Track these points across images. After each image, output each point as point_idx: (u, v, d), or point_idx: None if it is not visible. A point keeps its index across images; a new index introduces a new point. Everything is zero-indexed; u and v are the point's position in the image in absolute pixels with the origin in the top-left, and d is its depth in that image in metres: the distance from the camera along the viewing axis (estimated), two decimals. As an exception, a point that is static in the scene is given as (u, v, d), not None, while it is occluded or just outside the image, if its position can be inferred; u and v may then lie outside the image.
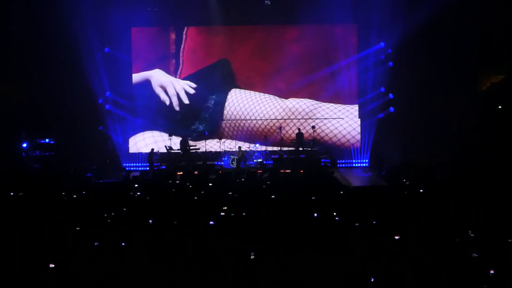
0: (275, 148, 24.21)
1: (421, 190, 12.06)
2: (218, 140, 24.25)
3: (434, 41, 22.10)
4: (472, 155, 19.50)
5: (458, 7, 20.92)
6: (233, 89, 25.84)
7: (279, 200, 10.84)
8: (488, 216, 8.47)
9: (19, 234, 7.87)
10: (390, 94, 24.04)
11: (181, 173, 19.84)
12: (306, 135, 23.74)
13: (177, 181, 16.41)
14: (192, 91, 25.72)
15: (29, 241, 7.41)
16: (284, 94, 25.50)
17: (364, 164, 24.20)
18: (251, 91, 25.79)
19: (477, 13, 20.53)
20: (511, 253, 6.54)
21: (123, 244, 7.25)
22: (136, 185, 14.21)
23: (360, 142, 24.66)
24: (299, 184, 14.50)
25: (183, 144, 22.96)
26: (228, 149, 23.66)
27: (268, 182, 14.97)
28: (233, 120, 25.60)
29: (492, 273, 5.88)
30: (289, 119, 25.27)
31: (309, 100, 25.32)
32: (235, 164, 22.15)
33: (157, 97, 25.67)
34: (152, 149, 23.02)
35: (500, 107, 21.00)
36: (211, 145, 24.61)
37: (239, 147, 23.09)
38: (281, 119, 25.28)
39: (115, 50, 24.78)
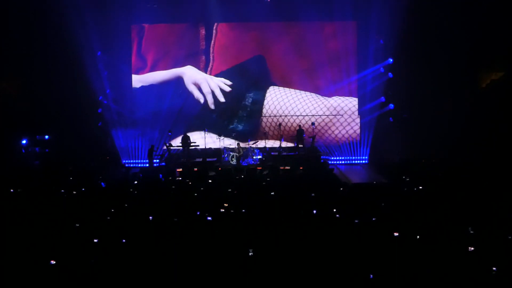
0: (275, 145, 24.09)
1: (421, 187, 12.08)
2: (217, 136, 23.86)
3: (434, 39, 22.06)
4: (472, 152, 19.51)
5: (457, 4, 20.91)
6: (271, 87, 25.18)
7: (279, 196, 10.85)
8: (487, 213, 8.49)
9: (19, 230, 7.87)
10: (382, 97, 24.06)
11: (181, 169, 19.83)
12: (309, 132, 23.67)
13: (177, 178, 16.42)
14: (228, 89, 25.09)
15: (29, 238, 7.40)
16: (324, 92, 24.94)
17: (363, 161, 24.21)
18: (290, 89, 25.13)
19: (476, 9, 20.49)
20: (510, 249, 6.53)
21: (123, 240, 7.25)
22: (136, 182, 14.22)
23: (360, 139, 24.65)
24: (298, 181, 14.51)
25: (184, 140, 22.79)
26: (228, 146, 23.38)
27: (268, 179, 14.98)
28: (273, 116, 24.91)
29: (494, 270, 5.88)
30: (337, 115, 24.77)
31: (355, 98, 24.87)
32: (234, 161, 22.07)
33: (184, 95, 25.03)
34: (152, 146, 22.87)
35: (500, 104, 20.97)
36: (211, 141, 24.36)
37: (238, 144, 22.97)
38: (328, 115, 24.75)
39: (114, 49, 24.60)
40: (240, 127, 24.97)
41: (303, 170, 19.07)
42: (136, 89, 25.06)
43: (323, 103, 24.86)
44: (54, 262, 6.35)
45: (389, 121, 23.69)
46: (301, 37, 24.66)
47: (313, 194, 10.85)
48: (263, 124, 24.97)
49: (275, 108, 24.99)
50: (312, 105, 24.91)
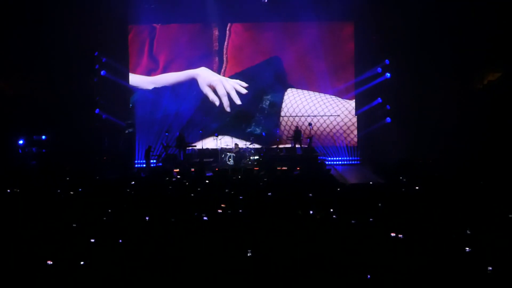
0: (273, 146, 24.02)
1: (417, 187, 12.08)
2: (214, 137, 23.72)
3: (431, 40, 22.07)
4: (469, 152, 19.53)
5: (454, 5, 20.92)
6: (290, 89, 24.87)
7: (276, 197, 10.83)
8: (484, 213, 8.48)
9: (16, 230, 7.85)
10: (379, 98, 24.05)
11: (178, 170, 19.80)
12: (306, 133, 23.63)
13: (174, 178, 16.39)
14: (244, 91, 24.71)
15: (26, 238, 7.38)
16: (343, 94, 24.81)
17: (360, 162, 24.21)
18: (309, 91, 24.82)
19: (473, 10, 20.51)
20: (508, 249, 6.52)
21: (120, 241, 7.23)
22: (133, 182, 14.19)
23: (357, 139, 24.63)
24: (295, 181, 14.50)
25: (180, 140, 22.69)
26: (225, 147, 23.27)
27: (265, 179, 14.97)
28: (291, 116, 24.71)
29: (490, 270, 5.87)
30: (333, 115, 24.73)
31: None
32: (232, 161, 22.04)
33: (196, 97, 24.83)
34: (150, 146, 22.81)
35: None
36: (207, 141, 24.28)
37: (236, 144, 22.90)
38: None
39: (111, 49, 24.48)
40: (258, 130, 24.62)
41: (300, 170, 19.06)
42: (148, 90, 24.82)
43: (344, 105, 24.78)
44: (51, 263, 6.32)
45: (385, 122, 23.70)
46: (318, 38, 24.30)
47: (310, 195, 10.82)
48: (282, 128, 24.75)
49: (293, 111, 24.74)
50: (333, 108, 24.74)
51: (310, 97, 24.76)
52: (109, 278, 6.06)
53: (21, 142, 22.37)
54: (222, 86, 24.76)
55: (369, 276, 5.81)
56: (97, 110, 24.04)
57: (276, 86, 24.78)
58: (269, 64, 24.76)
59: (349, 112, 24.71)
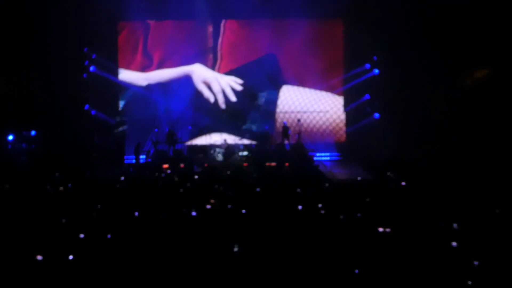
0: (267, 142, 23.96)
1: (404, 183, 12.13)
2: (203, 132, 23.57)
3: (418, 36, 22.10)
4: (455, 149, 19.62)
5: (441, 3, 20.99)
6: (285, 86, 24.60)
7: (265, 192, 10.85)
8: (471, 208, 8.53)
9: (6, 226, 7.83)
10: (367, 95, 24.10)
11: (167, 166, 19.76)
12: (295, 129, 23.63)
13: (163, 174, 16.38)
14: (239, 88, 24.35)
15: (16, 233, 7.37)
16: (336, 90, 24.63)
17: (348, 158, 24.21)
18: (305, 88, 24.59)
19: (461, 8, 20.57)
20: (492, 244, 6.56)
21: (108, 236, 7.23)
22: (122, 178, 14.18)
23: (345, 135, 24.68)
24: (284, 177, 14.54)
25: (169, 136, 22.62)
26: (214, 143, 23.18)
27: (254, 175, 14.99)
28: (287, 112, 24.37)
29: (476, 264, 5.91)
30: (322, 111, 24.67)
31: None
32: (221, 157, 21.99)
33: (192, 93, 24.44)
34: (139, 142, 22.71)
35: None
36: (198, 138, 24.14)
37: (225, 140, 22.84)
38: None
39: (100, 45, 24.33)
40: (254, 127, 24.40)
41: (288, 166, 19.10)
42: (141, 87, 24.63)
43: (340, 102, 24.72)
44: (41, 258, 6.31)
45: (374, 118, 23.76)
46: (311, 35, 23.91)
47: (298, 190, 10.84)
48: (277, 125, 24.48)
49: (289, 107, 24.56)
50: (329, 104, 24.71)
51: (306, 94, 24.61)
52: (98, 273, 6.07)
53: (10, 138, 22.25)
54: (217, 83, 24.49)
55: (357, 271, 5.84)
56: (86, 106, 23.93)
57: (271, 83, 24.53)
58: (263, 61, 24.50)
59: (338, 109, 24.71)
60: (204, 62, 24.62)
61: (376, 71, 23.78)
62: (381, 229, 7.14)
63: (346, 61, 24.50)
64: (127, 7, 23.10)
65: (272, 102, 24.55)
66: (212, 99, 24.42)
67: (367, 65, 24.03)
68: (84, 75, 23.95)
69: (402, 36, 22.38)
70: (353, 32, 23.99)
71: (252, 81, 24.31)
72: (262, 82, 24.33)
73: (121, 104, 24.76)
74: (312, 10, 23.01)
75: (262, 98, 24.51)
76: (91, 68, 23.96)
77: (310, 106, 24.55)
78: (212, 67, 24.61)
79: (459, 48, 20.95)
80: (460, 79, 22.16)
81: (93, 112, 23.94)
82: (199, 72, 24.52)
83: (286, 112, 24.50)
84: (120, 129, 24.61)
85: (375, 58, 23.73)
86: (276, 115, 24.64)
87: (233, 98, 24.35)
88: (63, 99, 22.71)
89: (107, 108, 24.37)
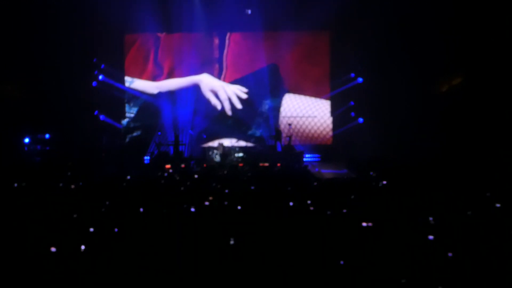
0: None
1: (385, 182, 12.15)
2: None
3: (398, 47, 22.17)
4: (431, 150, 19.70)
5: (417, 12, 21.11)
6: (287, 94, 24.85)
7: (259, 190, 10.86)
8: (446, 204, 8.56)
9: (23, 221, 7.83)
10: (351, 102, 24.19)
11: (169, 166, 19.76)
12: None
13: (166, 174, 16.38)
14: (244, 96, 24.56)
15: (32, 227, 7.38)
16: (328, 97, 24.87)
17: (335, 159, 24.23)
18: (306, 96, 24.82)
19: (436, 16, 20.68)
20: (468, 237, 6.59)
21: (116, 230, 7.23)
22: (129, 177, 14.16)
23: (332, 138, 24.78)
24: (276, 176, 14.54)
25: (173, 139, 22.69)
26: (211, 145, 23.26)
27: (249, 174, 15.00)
28: (286, 117, 24.68)
29: (450, 256, 5.94)
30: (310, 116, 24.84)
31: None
32: (218, 158, 22.01)
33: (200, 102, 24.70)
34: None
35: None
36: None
37: (220, 143, 22.84)
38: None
39: (109, 57, 24.41)
40: (257, 133, 24.60)
41: (280, 166, 19.12)
42: (152, 95, 24.79)
43: (327, 107, 25.00)
44: (55, 249, 6.32)
45: (358, 122, 23.86)
46: (312, 45, 24.62)
47: (289, 188, 10.85)
48: (282, 129, 24.53)
49: (291, 114, 24.75)
50: (317, 110, 24.91)
51: (307, 101, 24.86)
52: (106, 264, 6.07)
53: (26, 140, 22.25)
54: (224, 91, 24.64)
55: (342, 262, 5.85)
56: (95, 112, 24.00)
57: (274, 91, 24.72)
58: (266, 71, 24.69)
59: (325, 113, 24.79)
60: (211, 72, 24.80)
61: (360, 79, 23.89)
62: (364, 224, 7.15)
63: (332, 70, 24.59)
64: (135, 20, 23.24)
65: (275, 109, 24.70)
66: (219, 107, 24.56)
67: (352, 74, 24.15)
68: (94, 83, 24.01)
69: (383, 47, 22.48)
70: (339, 43, 24.11)
71: (256, 89, 24.52)
72: (265, 90, 24.51)
73: (134, 110, 24.80)
74: (302, 23, 23.24)
75: (266, 105, 24.55)
76: (100, 77, 24.01)
77: (305, 112, 24.75)
78: (218, 77, 24.75)
79: (436, 58, 21.05)
80: (436, 86, 22.28)
81: (101, 117, 23.97)
82: (207, 81, 24.66)
83: (288, 117, 24.58)
84: (135, 134, 24.65)
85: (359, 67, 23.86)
86: (280, 121, 24.82)
87: (238, 105, 24.44)
88: (75, 105, 22.90)
89: (114, 113, 24.45)
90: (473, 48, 20.09)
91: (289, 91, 24.88)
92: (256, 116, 24.71)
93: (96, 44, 23.81)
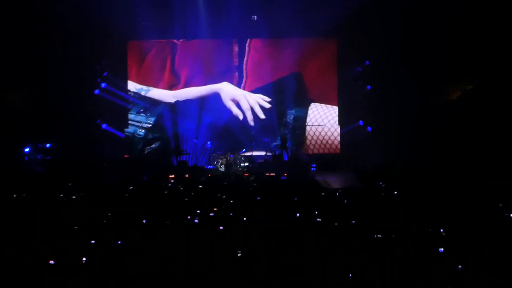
0: (261, 153, 23.83)
1: (395, 192, 12.09)
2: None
3: (408, 55, 22.16)
4: (441, 159, 19.66)
5: (429, 23, 21.09)
6: (313, 103, 24.46)
7: (265, 201, 10.82)
8: (457, 216, 8.51)
9: (22, 232, 7.82)
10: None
11: (173, 176, 19.74)
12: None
13: (169, 184, 16.35)
14: (268, 106, 23.96)
15: (31, 239, 7.36)
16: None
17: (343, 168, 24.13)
18: (333, 106, 24.41)
19: (445, 22, 20.69)
20: (479, 249, 6.54)
21: (119, 242, 7.21)
22: (131, 187, 14.14)
23: (340, 146, 24.65)
24: (282, 186, 14.48)
25: (176, 148, 22.66)
26: (216, 154, 23.09)
27: (255, 184, 14.94)
28: (316, 125, 24.39)
29: (460, 268, 5.90)
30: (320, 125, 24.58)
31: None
32: (223, 168, 21.97)
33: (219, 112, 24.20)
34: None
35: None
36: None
37: (226, 152, 22.78)
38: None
39: (111, 64, 24.42)
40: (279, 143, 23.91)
41: (286, 176, 19.08)
42: (169, 104, 24.56)
43: (336, 115, 24.66)
44: (53, 262, 6.30)
45: (367, 130, 23.80)
46: (337, 52, 24.27)
47: (296, 199, 10.81)
48: (308, 142, 24.55)
49: (319, 125, 24.47)
50: (327, 117, 24.64)
51: (334, 111, 24.57)
52: (108, 276, 6.06)
53: (27, 150, 22.28)
54: (246, 101, 24.03)
55: (350, 274, 5.82)
56: (98, 121, 24.00)
57: (298, 100, 24.24)
58: (290, 79, 24.19)
59: (335, 121, 24.63)
60: (230, 80, 24.36)
61: (368, 87, 23.84)
62: (375, 235, 7.12)
63: (340, 77, 24.51)
64: (146, 28, 23.28)
65: (300, 119, 24.34)
66: (241, 116, 24.08)
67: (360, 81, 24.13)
68: (96, 92, 24.03)
69: (392, 55, 22.48)
70: (346, 50, 24.08)
71: (279, 98, 24.06)
72: (289, 100, 24.14)
73: (152, 120, 24.63)
74: (308, 30, 23.21)
75: (291, 115, 24.30)
76: (102, 85, 24.05)
77: (334, 123, 24.60)
78: (238, 85, 24.34)
79: (445, 64, 21.06)
80: (445, 93, 22.26)
81: (103, 125, 23.97)
82: (228, 90, 24.14)
83: (316, 127, 24.54)
84: (154, 145, 24.52)
85: (367, 62, 23.75)
86: (307, 131, 24.59)
87: (262, 115, 24.00)
88: (76, 114, 22.89)
89: (116, 122, 24.43)
90: (482, 55, 20.10)
91: (316, 101, 24.50)
92: (280, 126, 24.25)
93: (98, 51, 23.81)
